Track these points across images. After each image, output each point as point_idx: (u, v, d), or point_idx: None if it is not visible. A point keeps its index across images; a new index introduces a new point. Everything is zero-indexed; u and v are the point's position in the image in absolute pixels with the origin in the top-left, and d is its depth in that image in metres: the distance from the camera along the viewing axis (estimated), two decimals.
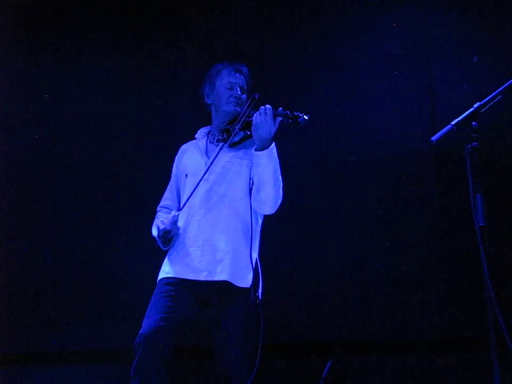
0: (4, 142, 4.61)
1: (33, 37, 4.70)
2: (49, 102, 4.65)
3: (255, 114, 2.89)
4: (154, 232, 3.06)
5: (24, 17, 4.72)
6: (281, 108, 2.92)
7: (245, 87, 3.15)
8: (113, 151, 4.58)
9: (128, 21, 4.72)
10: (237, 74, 3.14)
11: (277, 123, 2.88)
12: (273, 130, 2.87)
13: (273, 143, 2.91)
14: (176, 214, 2.96)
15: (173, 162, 3.26)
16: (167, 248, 3.05)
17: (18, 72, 4.68)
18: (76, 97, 4.64)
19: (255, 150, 2.90)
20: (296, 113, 2.88)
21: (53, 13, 4.72)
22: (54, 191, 4.56)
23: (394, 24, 4.63)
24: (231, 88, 3.11)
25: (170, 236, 2.96)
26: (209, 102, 3.18)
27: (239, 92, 3.12)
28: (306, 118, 2.88)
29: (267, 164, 2.87)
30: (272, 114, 2.85)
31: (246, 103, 3.06)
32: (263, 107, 2.87)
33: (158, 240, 3.01)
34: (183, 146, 3.27)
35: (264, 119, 2.84)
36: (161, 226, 2.93)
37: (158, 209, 3.22)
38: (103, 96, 4.64)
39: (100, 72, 4.67)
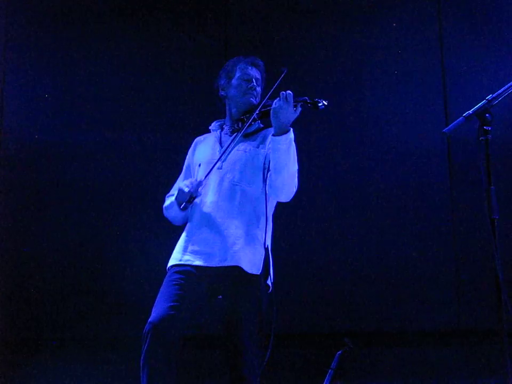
0: (4, 141, 4.62)
1: (47, 32, 4.71)
2: (55, 93, 4.65)
3: (275, 100, 2.88)
4: (171, 200, 3.07)
5: (36, 9, 4.73)
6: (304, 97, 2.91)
7: (260, 80, 3.18)
8: (113, 140, 4.59)
9: (142, 12, 4.71)
10: (253, 67, 3.17)
11: (298, 111, 2.88)
12: (292, 117, 2.87)
13: (291, 129, 2.90)
14: (202, 180, 2.96)
15: (186, 154, 3.27)
16: (181, 221, 3.09)
17: (28, 68, 4.69)
18: (83, 85, 4.64)
19: (273, 135, 2.90)
20: (315, 99, 2.88)
21: (70, 5, 4.73)
22: (54, 188, 4.57)
23: (394, 24, 4.61)
24: (247, 81, 3.13)
25: (190, 202, 2.97)
26: (224, 94, 3.19)
27: (255, 84, 3.14)
28: (326, 103, 2.87)
29: (285, 149, 2.86)
30: (293, 101, 2.85)
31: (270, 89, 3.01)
32: (283, 92, 2.85)
33: (174, 204, 3.02)
34: (197, 139, 3.28)
35: (284, 105, 2.84)
36: (186, 189, 2.94)
37: (167, 197, 3.21)
38: (114, 87, 4.64)
39: (112, 63, 4.67)
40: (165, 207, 3.15)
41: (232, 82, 3.15)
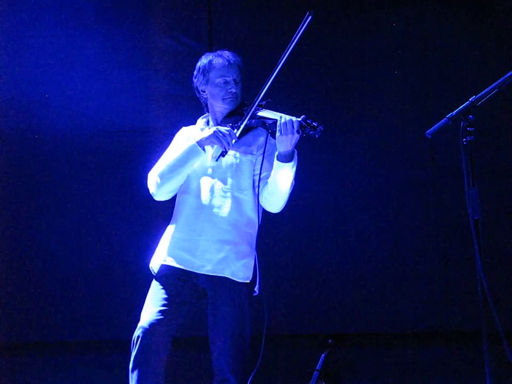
0: (3, 140, 4.60)
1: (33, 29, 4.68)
2: (49, 94, 4.62)
3: (279, 127, 2.78)
4: (188, 145, 2.91)
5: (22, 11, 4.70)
6: (303, 117, 2.82)
7: (239, 79, 3.07)
8: (109, 146, 4.57)
9: (127, 13, 4.69)
10: (231, 68, 3.05)
11: (300, 133, 2.79)
12: (296, 140, 2.80)
13: (296, 152, 2.86)
14: (236, 134, 2.86)
15: (171, 140, 3.18)
16: (174, 188, 2.96)
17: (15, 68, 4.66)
18: (74, 90, 4.61)
19: (278, 159, 2.83)
20: (312, 123, 2.80)
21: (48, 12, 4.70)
22: (52, 186, 4.54)
23: (394, 24, 4.62)
24: (226, 83, 3.03)
25: (223, 155, 2.85)
26: (204, 95, 3.11)
27: (234, 87, 3.04)
28: (322, 129, 2.80)
29: (288, 174, 2.84)
30: (298, 128, 2.77)
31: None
32: (291, 120, 2.77)
33: (193, 150, 2.87)
34: (186, 130, 3.17)
35: (291, 134, 2.76)
36: (225, 132, 2.82)
37: (150, 174, 3.03)
38: (101, 89, 4.62)
39: (97, 64, 4.64)
40: (163, 171, 2.93)
41: (210, 85, 3.05)
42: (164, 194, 3.00)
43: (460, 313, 4.32)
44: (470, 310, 4.04)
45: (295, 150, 2.85)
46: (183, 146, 2.94)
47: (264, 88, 2.91)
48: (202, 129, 3.11)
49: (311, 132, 2.80)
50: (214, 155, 2.93)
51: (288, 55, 2.90)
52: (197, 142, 2.88)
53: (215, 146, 2.92)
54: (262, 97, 2.91)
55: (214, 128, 2.88)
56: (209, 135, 2.85)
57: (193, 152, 2.89)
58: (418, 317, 4.38)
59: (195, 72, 3.13)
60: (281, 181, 2.85)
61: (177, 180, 2.95)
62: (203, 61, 3.11)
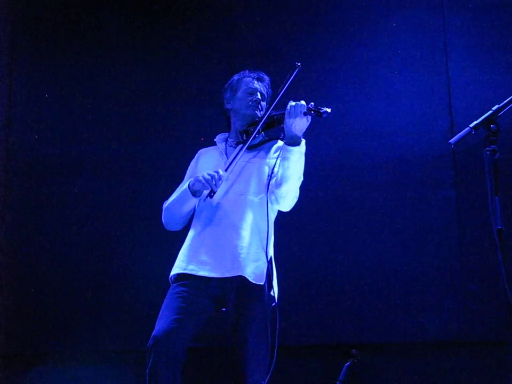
0: (3, 142, 4.64)
1: (54, 41, 4.74)
2: (58, 100, 4.67)
3: (287, 110, 2.86)
4: (180, 190, 3.03)
5: (40, 20, 4.75)
6: (309, 103, 2.89)
7: (265, 95, 3.19)
8: (119, 152, 4.61)
9: (145, 22, 4.73)
10: (259, 81, 3.19)
11: (309, 120, 2.87)
12: (305, 126, 2.88)
13: (304, 140, 2.91)
14: (223, 175, 2.90)
15: (188, 165, 3.26)
16: (180, 223, 3.08)
17: (32, 72, 4.71)
18: (89, 98, 4.66)
19: (286, 144, 2.90)
20: (319, 107, 2.86)
21: (69, 14, 4.75)
22: (56, 191, 4.58)
23: (394, 24, 4.62)
24: (251, 93, 3.15)
25: (210, 197, 2.91)
26: (228, 107, 3.21)
27: (259, 98, 3.15)
28: (329, 110, 2.85)
29: (296, 160, 2.88)
30: (306, 110, 2.84)
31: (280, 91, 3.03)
32: (298, 104, 2.86)
33: (186, 194, 2.97)
34: (201, 150, 3.28)
35: (298, 117, 2.83)
36: (207, 177, 2.88)
37: (164, 204, 3.17)
38: (120, 100, 4.66)
39: (115, 74, 4.68)
40: (167, 207, 3.10)
41: (237, 95, 3.17)
42: (171, 227, 3.15)
43: (482, 323, 4.28)
44: (493, 320, 4.02)
45: (303, 139, 2.90)
46: (181, 188, 3.07)
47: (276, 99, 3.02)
48: (219, 142, 3.20)
49: (322, 112, 2.83)
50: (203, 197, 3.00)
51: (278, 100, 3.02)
52: (188, 186, 2.98)
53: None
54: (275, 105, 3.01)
55: (199, 174, 2.95)
56: (194, 180, 2.95)
57: (186, 196, 3.00)
58: (441, 327, 4.35)
59: (225, 87, 3.25)
60: (289, 168, 2.87)
61: (179, 216, 3.09)
62: (235, 78, 3.25)
